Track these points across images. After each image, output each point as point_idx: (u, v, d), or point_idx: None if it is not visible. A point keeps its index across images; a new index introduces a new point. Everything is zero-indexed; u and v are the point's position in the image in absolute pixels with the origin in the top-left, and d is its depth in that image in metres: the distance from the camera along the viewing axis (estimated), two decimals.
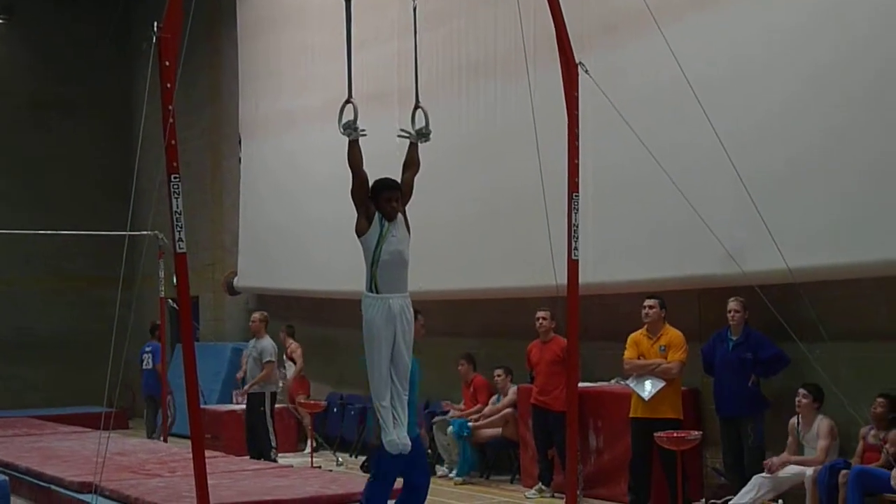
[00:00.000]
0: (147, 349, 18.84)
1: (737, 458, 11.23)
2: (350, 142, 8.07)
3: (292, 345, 17.47)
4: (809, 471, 10.30)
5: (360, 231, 8.17)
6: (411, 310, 8.34)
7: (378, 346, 8.05)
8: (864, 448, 10.15)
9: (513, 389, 14.01)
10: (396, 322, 8.15)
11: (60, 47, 25.80)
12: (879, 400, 10.11)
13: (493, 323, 15.27)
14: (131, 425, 21.80)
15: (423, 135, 8.52)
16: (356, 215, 8.17)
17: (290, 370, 17.34)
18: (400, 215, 8.30)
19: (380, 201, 8.15)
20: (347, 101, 8.13)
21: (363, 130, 8.07)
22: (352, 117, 8.05)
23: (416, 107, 8.65)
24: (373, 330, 8.08)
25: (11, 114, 25.32)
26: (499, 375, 14.31)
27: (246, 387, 15.51)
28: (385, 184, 8.21)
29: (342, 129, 8.05)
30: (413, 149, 8.56)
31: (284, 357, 17.28)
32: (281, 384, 16.65)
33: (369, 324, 8.10)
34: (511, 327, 14.59)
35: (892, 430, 9.97)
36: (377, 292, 8.14)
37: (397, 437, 8.01)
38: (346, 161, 8.11)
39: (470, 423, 14.14)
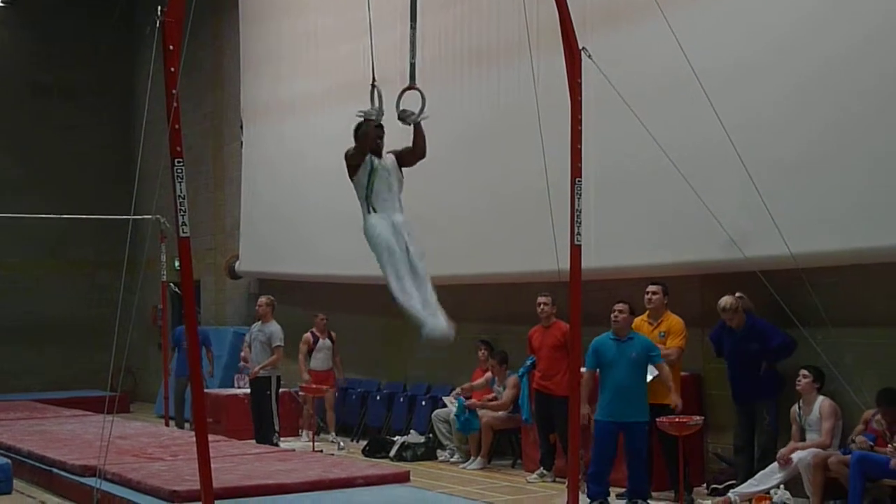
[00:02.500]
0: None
1: (747, 440, 11.25)
2: (371, 124, 8.24)
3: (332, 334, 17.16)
4: (804, 454, 10.31)
5: (352, 173, 8.46)
6: (411, 224, 8.56)
7: (392, 255, 8.38)
8: (867, 430, 10.17)
9: (511, 379, 14.01)
10: (403, 232, 8.44)
11: (63, 31, 25.77)
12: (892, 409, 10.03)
13: (496, 308, 15.28)
14: (132, 409, 21.85)
15: (410, 115, 8.55)
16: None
17: (319, 360, 16.91)
18: (392, 158, 8.53)
19: (368, 141, 8.38)
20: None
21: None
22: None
23: (408, 88, 8.67)
24: (381, 242, 8.33)
25: (14, 98, 25.30)
26: (492, 366, 14.34)
27: (257, 368, 15.45)
28: (359, 127, 8.45)
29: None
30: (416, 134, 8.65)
31: (314, 345, 16.94)
32: (307, 376, 16.57)
33: (377, 238, 8.33)
34: (514, 312, 14.60)
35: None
36: (376, 212, 8.41)
37: (435, 324, 8.27)
38: (356, 137, 8.33)
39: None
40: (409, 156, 8.69)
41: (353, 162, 8.40)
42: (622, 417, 10.97)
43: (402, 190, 8.61)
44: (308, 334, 16.87)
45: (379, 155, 8.45)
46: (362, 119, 8.34)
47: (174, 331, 18.68)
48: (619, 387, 11.01)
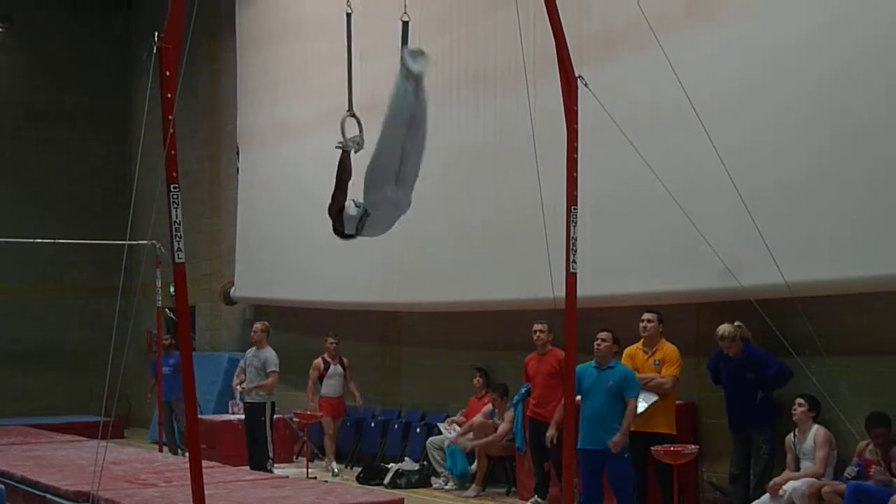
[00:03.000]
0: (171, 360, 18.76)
1: (743, 470, 11.24)
2: (345, 153, 8.11)
3: (345, 360, 16.83)
4: (798, 483, 10.29)
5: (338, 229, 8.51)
6: None
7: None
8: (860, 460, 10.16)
9: (508, 414, 13.98)
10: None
11: (60, 55, 25.82)
12: (879, 430, 10.05)
13: (491, 335, 15.28)
14: (126, 434, 21.80)
15: (356, 143, 8.44)
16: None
17: (331, 386, 16.63)
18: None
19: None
20: (349, 115, 8.16)
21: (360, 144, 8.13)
22: (356, 132, 8.09)
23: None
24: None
25: (10, 122, 25.34)
26: (494, 399, 14.31)
27: (251, 386, 15.31)
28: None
29: (347, 143, 8.08)
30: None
31: (325, 371, 16.65)
32: (313, 405, 16.37)
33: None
34: (509, 340, 14.59)
35: (891, 447, 9.99)
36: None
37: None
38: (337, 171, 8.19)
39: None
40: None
41: (335, 209, 8.36)
42: (599, 445, 10.94)
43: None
44: (319, 360, 16.64)
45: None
46: (352, 151, 8.26)
47: (152, 359, 18.67)
48: (593, 415, 10.99)
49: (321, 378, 16.55)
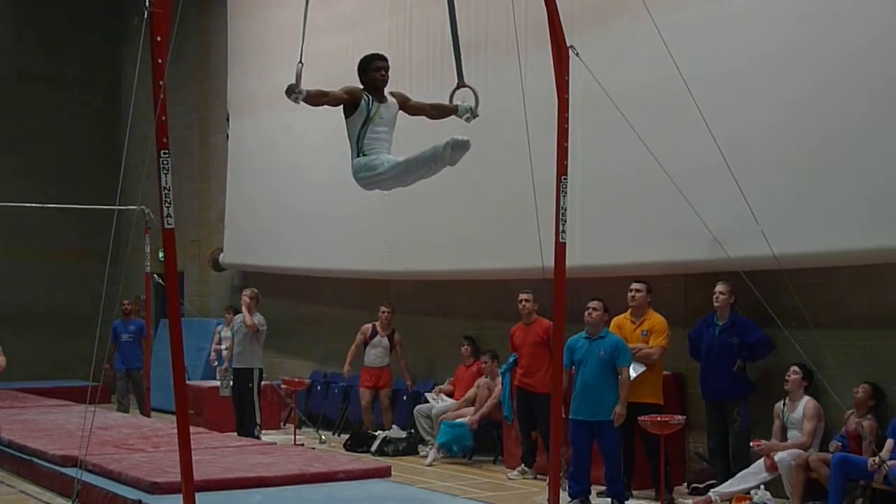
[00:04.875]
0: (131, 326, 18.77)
1: (721, 443, 11.31)
2: (308, 96, 7.96)
3: (397, 335, 16.21)
4: (785, 454, 10.36)
5: (347, 113, 8.14)
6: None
7: (381, 164, 8.00)
8: (846, 432, 10.25)
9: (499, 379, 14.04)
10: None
11: (51, 20, 25.65)
12: (863, 386, 10.20)
13: (480, 305, 15.30)
14: (113, 399, 21.78)
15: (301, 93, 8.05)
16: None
17: (372, 356, 16.17)
18: (393, 99, 8.25)
19: (370, 73, 8.13)
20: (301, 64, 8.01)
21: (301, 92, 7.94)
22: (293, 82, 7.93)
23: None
24: (369, 165, 8.03)
25: (0, 85, 25.20)
26: (485, 362, 14.34)
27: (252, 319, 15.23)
28: (374, 55, 8.21)
29: (295, 91, 7.93)
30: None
31: (370, 338, 16.21)
32: (348, 368, 16.02)
33: (365, 168, 8.04)
34: (498, 309, 14.61)
35: (868, 417, 10.08)
36: (366, 156, 8.11)
37: (449, 139, 7.79)
38: (317, 104, 8.07)
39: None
40: (418, 112, 8.59)
41: (346, 111, 8.10)
42: (591, 416, 10.97)
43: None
44: (368, 325, 16.16)
45: (380, 93, 8.15)
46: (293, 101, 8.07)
47: (113, 324, 18.58)
48: (586, 385, 11.03)
49: (365, 345, 16.19)
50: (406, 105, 8.45)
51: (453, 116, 8.76)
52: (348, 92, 8.07)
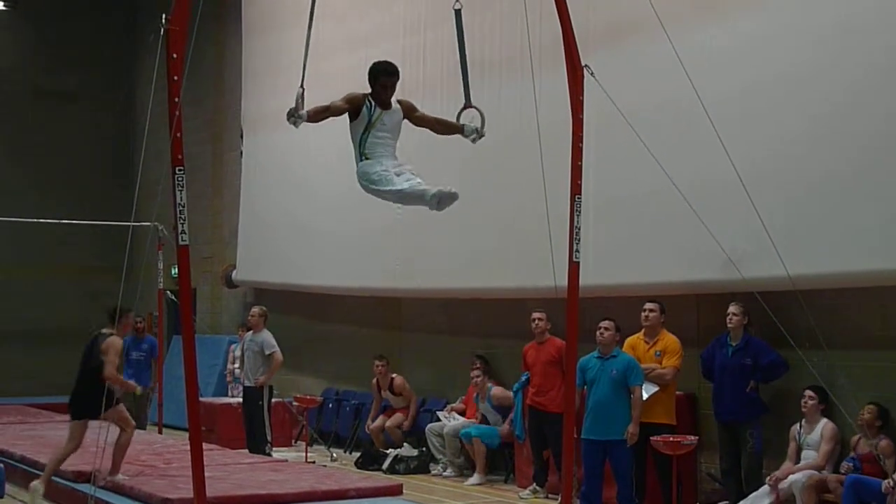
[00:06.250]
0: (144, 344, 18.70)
1: (733, 464, 11.26)
2: (309, 117, 8.06)
3: (397, 379, 16.03)
4: (798, 476, 10.31)
5: (350, 118, 8.22)
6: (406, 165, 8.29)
7: (386, 177, 8.05)
8: (858, 454, 10.21)
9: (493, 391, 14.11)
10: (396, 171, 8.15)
11: (66, 36, 25.79)
12: (868, 407, 10.17)
13: (492, 323, 15.29)
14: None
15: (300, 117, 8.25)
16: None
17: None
18: (398, 106, 8.32)
19: (376, 86, 8.21)
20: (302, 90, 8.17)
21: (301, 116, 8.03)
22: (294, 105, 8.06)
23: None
24: (373, 176, 8.07)
25: (15, 102, 25.31)
26: (477, 377, 14.33)
27: (263, 378, 15.20)
28: (384, 69, 8.26)
29: (296, 115, 8.05)
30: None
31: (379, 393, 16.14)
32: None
33: (369, 176, 8.10)
34: (510, 328, 14.59)
35: (880, 437, 10.05)
36: (369, 160, 8.18)
37: (440, 188, 7.95)
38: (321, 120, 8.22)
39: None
40: (423, 124, 8.66)
41: (350, 116, 8.19)
42: (603, 436, 10.95)
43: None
44: (374, 381, 16.09)
45: (384, 102, 8.23)
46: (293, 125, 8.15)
47: (124, 340, 18.46)
48: (598, 404, 11.01)
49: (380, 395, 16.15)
50: (412, 115, 8.52)
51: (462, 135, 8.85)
52: (349, 101, 8.18)
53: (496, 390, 14.28)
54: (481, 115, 8.85)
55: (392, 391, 15.96)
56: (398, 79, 8.29)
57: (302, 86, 8.06)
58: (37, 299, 25.13)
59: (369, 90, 8.25)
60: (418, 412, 16.08)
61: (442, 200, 7.91)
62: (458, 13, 9.09)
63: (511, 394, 13.88)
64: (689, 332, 12.15)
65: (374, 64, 8.30)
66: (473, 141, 8.83)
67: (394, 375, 15.98)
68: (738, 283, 10.46)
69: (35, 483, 11.30)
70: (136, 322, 18.33)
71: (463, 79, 9.08)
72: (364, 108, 8.13)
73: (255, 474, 11.85)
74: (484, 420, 14.34)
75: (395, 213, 12.23)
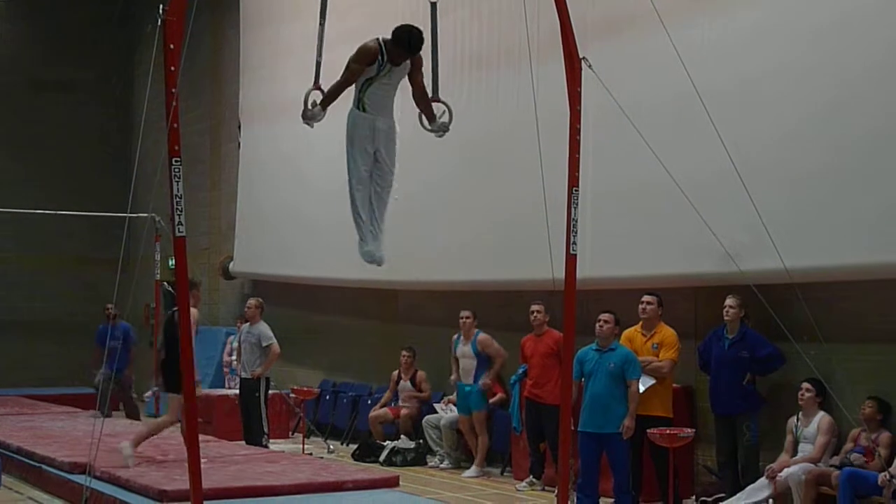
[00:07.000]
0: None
1: (730, 457, 11.26)
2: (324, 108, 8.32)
3: (420, 373, 16.04)
4: (795, 469, 10.32)
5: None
6: (396, 130, 8.45)
7: (357, 159, 8.26)
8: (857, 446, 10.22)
9: (480, 335, 14.19)
10: (380, 139, 8.33)
11: (63, 27, 25.77)
12: (868, 401, 10.18)
13: (489, 316, 15.27)
14: (122, 407, 21.80)
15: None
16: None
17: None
18: (407, 62, 8.42)
19: (396, 49, 8.29)
20: (315, 88, 8.31)
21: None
22: (309, 105, 8.30)
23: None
24: (355, 142, 8.26)
25: (12, 93, 25.28)
26: (467, 317, 14.29)
27: (260, 369, 15.16)
28: (407, 42, 8.32)
29: (309, 115, 8.26)
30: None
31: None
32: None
33: (351, 137, 8.29)
34: (508, 320, 14.59)
35: (881, 431, 10.06)
36: (364, 111, 8.34)
37: (374, 249, 8.33)
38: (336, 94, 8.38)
39: None
40: (412, 84, 8.69)
41: (363, 61, 8.27)
42: (600, 428, 10.94)
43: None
44: (395, 372, 16.10)
45: (398, 62, 8.32)
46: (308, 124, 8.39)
47: (98, 329, 18.42)
48: (595, 397, 10.98)
49: (396, 391, 16.15)
50: (413, 74, 8.60)
51: (429, 124, 9.00)
52: (362, 59, 8.28)
53: (483, 336, 14.22)
54: (449, 110, 8.87)
55: (413, 383, 15.96)
56: (414, 57, 8.45)
57: (316, 85, 8.23)
58: (33, 290, 25.14)
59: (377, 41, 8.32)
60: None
61: (364, 257, 8.48)
62: (433, 6, 9.28)
63: (497, 346, 14.03)
64: (687, 324, 12.15)
65: (402, 31, 8.37)
66: (438, 136, 8.87)
67: (418, 369, 16.00)
68: (736, 276, 10.46)
69: (124, 443, 11.60)
70: (107, 309, 18.10)
71: (433, 71, 9.11)
72: (376, 65, 8.24)
73: (252, 466, 11.85)
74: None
75: (392, 204, 12.13)
